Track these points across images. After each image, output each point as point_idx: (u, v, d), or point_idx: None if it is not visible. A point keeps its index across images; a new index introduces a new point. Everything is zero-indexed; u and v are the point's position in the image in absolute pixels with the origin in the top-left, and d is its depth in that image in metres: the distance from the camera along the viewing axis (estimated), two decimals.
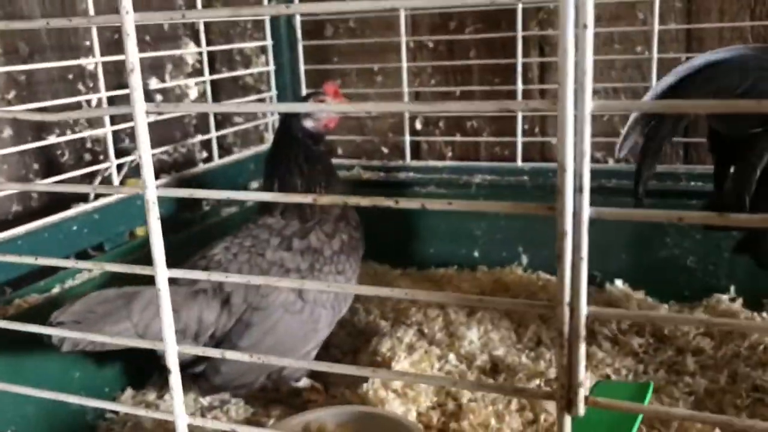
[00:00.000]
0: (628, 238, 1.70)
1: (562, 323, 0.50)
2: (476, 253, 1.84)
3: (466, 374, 1.41)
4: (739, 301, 1.60)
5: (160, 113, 1.64)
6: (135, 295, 1.18)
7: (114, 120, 1.53)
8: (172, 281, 1.28)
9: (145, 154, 0.59)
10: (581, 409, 0.52)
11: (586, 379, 0.49)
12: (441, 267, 1.87)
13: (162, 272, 0.61)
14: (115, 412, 1.38)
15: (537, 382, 1.37)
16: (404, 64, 1.87)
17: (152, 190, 0.59)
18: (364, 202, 0.53)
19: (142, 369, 1.46)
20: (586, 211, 0.48)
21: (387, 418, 1.20)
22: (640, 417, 0.92)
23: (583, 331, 0.50)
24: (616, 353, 1.48)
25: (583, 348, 0.50)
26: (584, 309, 0.50)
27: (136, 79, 0.57)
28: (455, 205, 0.51)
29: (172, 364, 0.63)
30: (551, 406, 1.30)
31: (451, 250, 1.83)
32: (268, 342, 1.27)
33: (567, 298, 0.50)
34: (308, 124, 1.43)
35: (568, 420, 0.53)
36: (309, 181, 1.41)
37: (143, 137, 0.58)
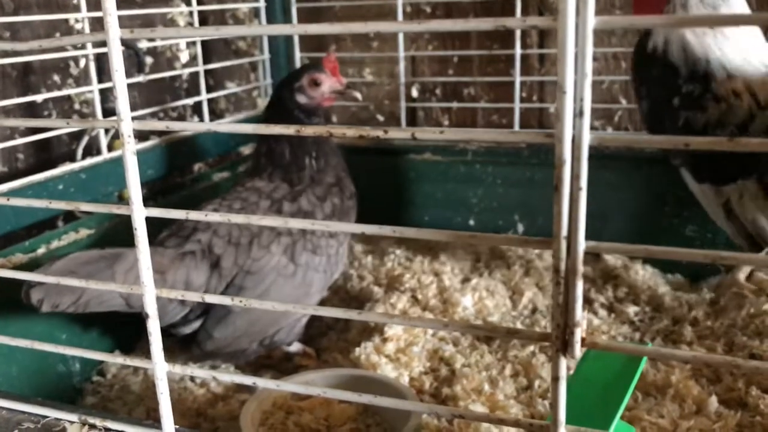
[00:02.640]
0: (626, 207, 1.67)
1: (559, 258, 0.47)
2: (472, 221, 1.81)
3: (459, 340, 1.39)
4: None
5: (148, 74, 1.60)
6: (119, 256, 1.15)
7: (101, 79, 1.49)
8: (160, 243, 1.26)
9: (120, 85, 0.56)
10: (578, 351, 0.49)
11: (583, 319, 0.46)
12: None
13: (139, 211, 0.58)
14: (102, 375, 1.36)
15: (531, 348, 1.35)
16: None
17: (128, 123, 0.56)
18: (350, 132, 0.50)
19: (131, 333, 1.43)
20: (587, 138, 0.45)
21: (379, 382, 1.18)
22: (635, 380, 0.90)
23: (581, 267, 0.47)
24: (612, 321, 1.46)
25: (580, 285, 0.48)
26: (582, 243, 0.47)
27: (110, 4, 0.54)
28: (447, 134, 0.48)
29: (150, 308, 0.61)
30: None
31: (447, 217, 1.80)
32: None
33: (564, 231, 0.47)
34: (302, 100, 1.39)
35: (563, 363, 0.50)
36: (298, 150, 1.37)
37: (118, 65, 0.55)
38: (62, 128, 1.45)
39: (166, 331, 1.27)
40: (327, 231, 1.34)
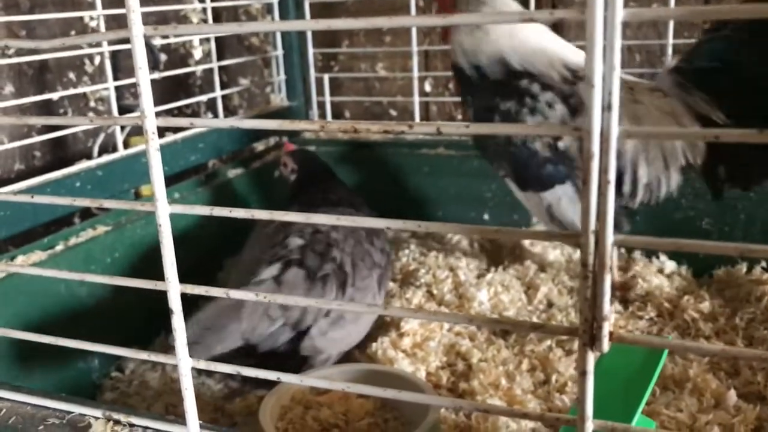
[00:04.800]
0: None
1: (587, 253, 0.47)
2: (486, 216, 1.81)
3: (476, 335, 1.39)
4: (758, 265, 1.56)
5: (162, 72, 1.60)
6: (242, 304, 1.18)
7: (117, 76, 1.49)
8: (299, 264, 1.24)
9: (144, 81, 0.56)
10: (605, 345, 0.49)
11: (611, 314, 0.46)
12: None
13: (163, 207, 0.58)
14: (121, 371, 1.37)
15: (548, 342, 1.35)
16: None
17: (152, 120, 0.56)
18: (375, 128, 0.50)
19: (147, 329, 1.44)
20: (615, 131, 0.45)
21: (397, 377, 1.18)
22: (657, 374, 0.90)
23: (609, 261, 0.47)
24: (629, 315, 1.46)
25: (608, 279, 0.47)
26: (610, 237, 0.47)
27: (134, 0, 0.54)
28: (473, 128, 0.48)
29: (175, 304, 0.61)
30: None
31: (461, 212, 1.80)
32: (364, 319, 1.29)
33: (592, 225, 0.47)
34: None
35: (591, 357, 0.50)
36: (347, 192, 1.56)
37: (142, 62, 0.55)
38: (85, 125, 1.46)
39: (254, 352, 1.25)
40: (390, 272, 1.45)
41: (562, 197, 1.35)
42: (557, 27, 1.84)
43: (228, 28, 0.55)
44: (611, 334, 0.49)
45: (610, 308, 0.48)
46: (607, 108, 0.45)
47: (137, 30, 0.55)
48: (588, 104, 0.45)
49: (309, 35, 1.95)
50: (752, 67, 1.20)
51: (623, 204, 1.37)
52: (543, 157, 1.33)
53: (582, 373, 0.50)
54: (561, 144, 1.33)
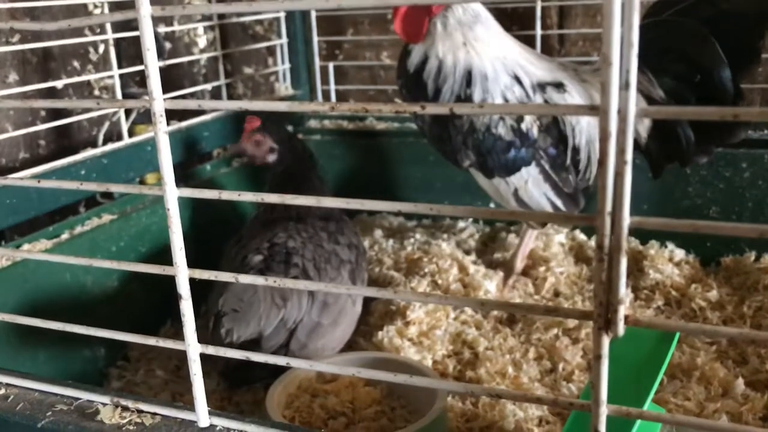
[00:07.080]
0: (649, 187, 1.64)
1: (603, 235, 0.46)
2: (492, 205, 1.80)
3: (482, 324, 1.39)
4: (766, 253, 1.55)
5: (166, 60, 1.59)
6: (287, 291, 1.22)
7: (120, 65, 1.48)
8: (268, 269, 1.24)
9: (152, 64, 0.55)
10: (621, 329, 0.48)
11: (626, 297, 0.45)
12: (456, 219, 1.84)
13: (171, 191, 0.58)
14: (127, 360, 1.37)
15: (555, 331, 1.34)
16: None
17: (159, 102, 0.56)
18: (387, 108, 0.49)
19: (153, 318, 1.44)
20: (632, 110, 0.44)
21: (403, 365, 1.18)
22: (667, 361, 0.89)
23: (625, 244, 0.46)
24: (637, 305, 1.45)
25: (624, 262, 0.47)
26: (627, 219, 0.46)
27: None
28: (487, 108, 0.47)
29: (183, 289, 0.60)
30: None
31: (467, 202, 1.79)
32: (340, 320, 1.28)
33: (609, 207, 0.46)
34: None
35: (606, 341, 0.49)
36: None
37: (150, 44, 0.54)
38: (93, 108, 1.45)
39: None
40: (365, 263, 1.42)
41: (528, 179, 1.38)
42: (562, 11, 1.83)
43: (236, 8, 0.55)
44: (626, 317, 0.48)
45: (625, 291, 0.47)
46: (624, 86, 0.44)
47: (145, 10, 0.54)
48: (605, 83, 0.44)
49: (314, 24, 1.94)
50: (690, 51, 1.29)
51: (579, 180, 1.40)
52: (507, 142, 1.36)
53: (597, 357, 0.49)
54: (523, 125, 1.36)
